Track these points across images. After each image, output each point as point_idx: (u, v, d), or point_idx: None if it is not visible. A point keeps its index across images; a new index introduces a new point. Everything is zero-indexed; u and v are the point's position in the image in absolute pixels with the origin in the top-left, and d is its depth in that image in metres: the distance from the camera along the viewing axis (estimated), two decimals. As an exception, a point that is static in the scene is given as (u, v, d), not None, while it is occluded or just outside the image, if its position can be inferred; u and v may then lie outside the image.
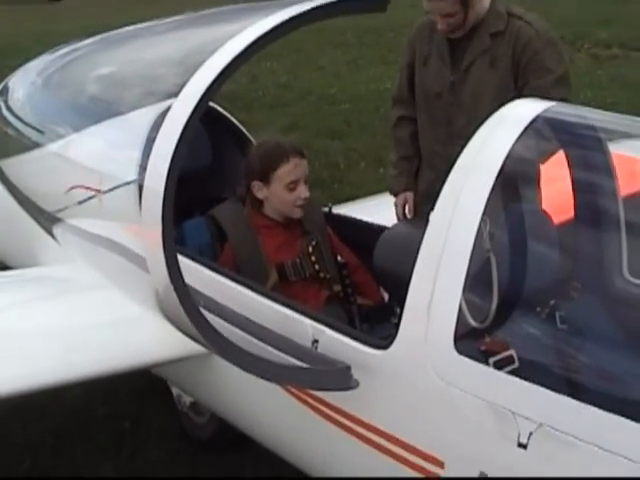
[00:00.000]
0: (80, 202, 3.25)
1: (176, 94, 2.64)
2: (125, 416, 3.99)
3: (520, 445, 2.03)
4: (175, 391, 3.74)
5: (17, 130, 3.83)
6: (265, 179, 3.15)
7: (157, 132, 2.56)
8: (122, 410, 4.05)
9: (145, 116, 3.02)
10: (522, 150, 2.34)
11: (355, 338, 2.42)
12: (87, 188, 3.17)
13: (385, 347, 2.30)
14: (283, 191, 3.14)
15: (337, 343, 2.44)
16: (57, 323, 3.10)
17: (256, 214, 3.23)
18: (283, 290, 3.03)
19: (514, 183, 2.59)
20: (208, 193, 3.63)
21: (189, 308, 2.35)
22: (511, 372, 2.19)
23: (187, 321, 2.36)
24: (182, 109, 2.40)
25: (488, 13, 3.24)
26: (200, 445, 3.75)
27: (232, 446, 3.62)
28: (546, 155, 2.66)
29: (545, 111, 2.41)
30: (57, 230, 3.56)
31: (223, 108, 4.02)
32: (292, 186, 3.14)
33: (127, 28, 4.03)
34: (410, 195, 3.62)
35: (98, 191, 3.07)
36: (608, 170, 2.67)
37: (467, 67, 3.28)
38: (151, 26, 3.90)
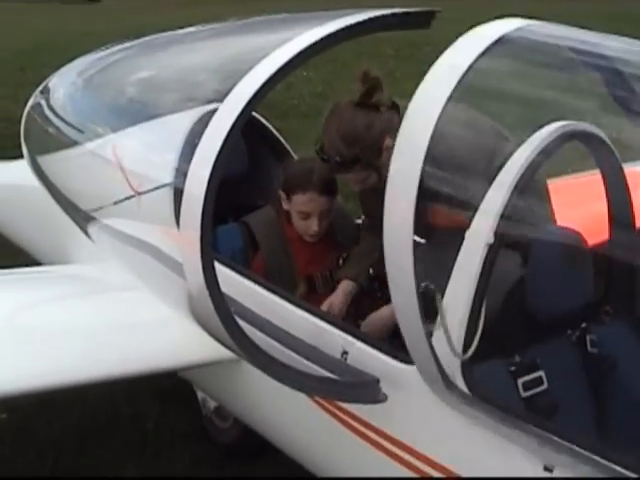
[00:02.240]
0: (116, 202, 3.28)
1: (214, 100, 2.66)
2: (149, 417, 4.02)
3: (546, 469, 2.02)
4: (200, 395, 3.75)
5: (57, 128, 3.87)
6: (287, 196, 3.17)
7: (196, 136, 2.58)
8: (146, 411, 4.07)
9: (183, 120, 3.04)
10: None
11: (385, 352, 2.42)
12: (124, 188, 3.20)
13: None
14: (296, 215, 3.16)
15: (366, 356, 2.45)
16: (88, 321, 3.13)
17: (288, 225, 3.24)
18: (310, 302, 3.04)
19: None
20: (242, 200, 3.64)
21: (223, 314, 2.37)
22: (540, 393, 2.19)
23: (220, 327, 2.38)
24: (226, 116, 2.42)
25: None
26: (223, 450, 3.77)
27: (255, 452, 3.64)
28: None
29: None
30: (92, 229, 3.60)
31: (259, 114, 4.03)
32: (303, 216, 3.15)
33: (168, 33, 4.06)
34: None
35: (136, 192, 3.09)
36: None
37: None
38: (193, 32, 3.93)
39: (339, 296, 3.03)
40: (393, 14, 2.58)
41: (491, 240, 2.12)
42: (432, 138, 2.05)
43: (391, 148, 2.79)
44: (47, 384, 2.76)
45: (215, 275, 2.35)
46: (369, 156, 2.81)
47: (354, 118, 2.81)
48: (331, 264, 3.19)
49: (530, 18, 2.39)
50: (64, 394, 3.59)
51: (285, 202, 3.19)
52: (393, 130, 2.83)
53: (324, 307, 2.98)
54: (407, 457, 2.36)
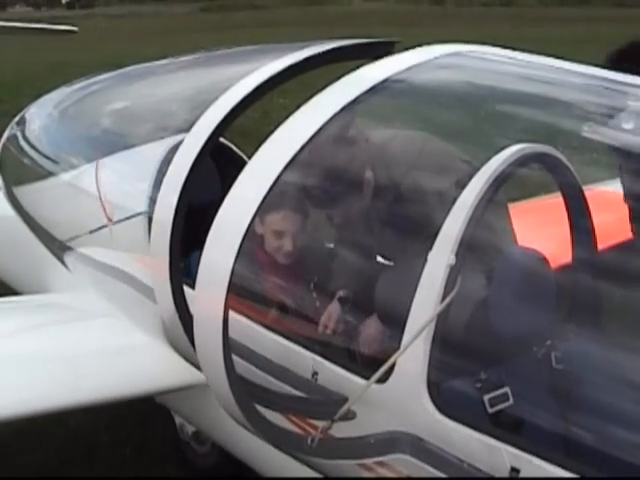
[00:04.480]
0: (91, 231, 3.33)
1: (186, 130, 2.72)
2: (128, 443, 4.03)
3: (513, 469, 2.07)
4: (178, 420, 3.77)
5: (32, 159, 3.92)
6: (261, 218, 3.20)
7: (167, 166, 2.63)
8: (125, 437, 4.09)
9: (156, 150, 3.10)
10: None
11: (354, 372, 2.47)
12: (99, 218, 3.24)
13: (383, 380, 2.35)
14: (270, 236, 3.19)
15: (336, 376, 2.49)
16: (65, 349, 3.16)
17: (260, 250, 3.28)
18: (281, 325, 3.07)
19: None
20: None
21: (193, 336, 2.41)
22: (506, 409, 2.25)
23: (191, 349, 2.42)
24: (193, 144, 2.47)
25: None
26: (201, 474, 3.79)
27: (233, 476, 3.66)
28: None
29: None
30: (68, 258, 3.64)
31: (235, 143, 4.09)
32: (277, 236, 3.18)
33: (142, 65, 4.12)
34: None
35: (109, 221, 3.14)
36: None
37: None
38: (167, 64, 3.99)
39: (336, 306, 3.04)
40: (355, 44, 2.66)
41: (452, 261, 2.18)
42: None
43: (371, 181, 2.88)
44: (25, 411, 2.79)
45: (185, 299, 2.39)
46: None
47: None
48: (302, 289, 3.23)
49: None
50: (43, 422, 3.60)
51: (258, 225, 3.24)
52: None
53: (324, 318, 2.97)
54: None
